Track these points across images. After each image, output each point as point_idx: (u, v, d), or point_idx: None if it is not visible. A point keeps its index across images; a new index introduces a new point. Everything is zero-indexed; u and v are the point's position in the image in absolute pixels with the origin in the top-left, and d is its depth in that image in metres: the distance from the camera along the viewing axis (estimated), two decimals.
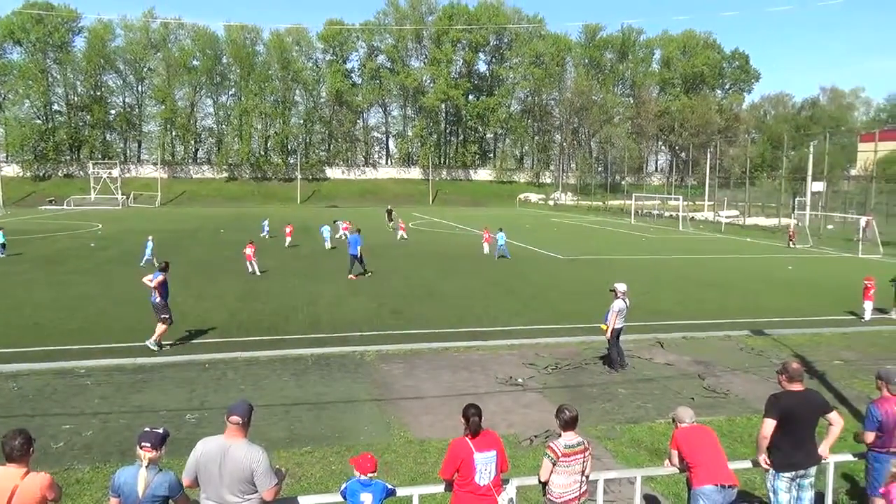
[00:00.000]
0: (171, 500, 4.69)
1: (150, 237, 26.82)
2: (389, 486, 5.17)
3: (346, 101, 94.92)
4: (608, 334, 12.11)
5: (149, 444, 4.58)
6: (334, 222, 37.83)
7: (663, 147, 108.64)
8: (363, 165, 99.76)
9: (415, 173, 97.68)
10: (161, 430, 4.71)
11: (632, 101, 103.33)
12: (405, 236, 37.82)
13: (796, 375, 5.96)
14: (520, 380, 11.65)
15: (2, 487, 4.46)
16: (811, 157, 54.68)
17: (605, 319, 12.22)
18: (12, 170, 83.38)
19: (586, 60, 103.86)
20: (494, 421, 9.25)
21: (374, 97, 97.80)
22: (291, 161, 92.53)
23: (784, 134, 67.65)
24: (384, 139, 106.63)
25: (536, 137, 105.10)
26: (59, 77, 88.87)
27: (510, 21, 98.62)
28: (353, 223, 34.63)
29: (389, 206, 53.17)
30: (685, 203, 57.62)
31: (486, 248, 30.99)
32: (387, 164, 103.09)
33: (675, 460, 5.78)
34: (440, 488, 5.61)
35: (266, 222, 39.11)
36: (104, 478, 7.72)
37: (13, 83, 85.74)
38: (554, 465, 5.31)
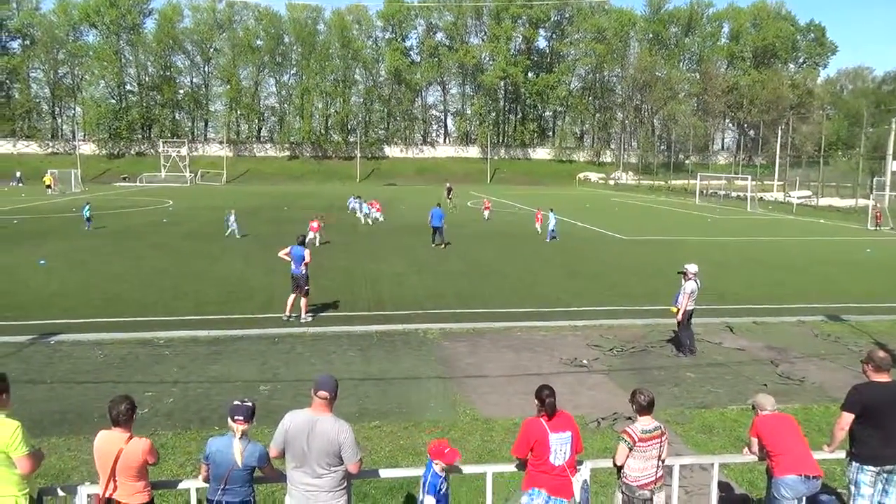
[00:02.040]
0: (258, 469, 4.90)
1: (233, 211, 28.55)
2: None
3: (405, 80, 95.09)
4: (679, 316, 11.84)
5: (241, 417, 4.78)
6: (356, 198, 37.90)
7: (730, 124, 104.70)
8: (421, 144, 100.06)
9: (473, 152, 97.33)
10: (251, 403, 4.91)
11: (698, 77, 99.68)
12: (488, 216, 37.27)
13: (884, 365, 5.65)
14: (584, 361, 11.56)
15: (108, 450, 4.75)
16: (892, 134, 51.62)
17: (675, 301, 11.94)
18: (89, 148, 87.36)
19: (650, 35, 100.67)
20: (560, 402, 9.08)
21: (432, 75, 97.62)
22: (351, 139, 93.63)
23: (863, 110, 64.06)
24: (442, 117, 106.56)
25: (597, 115, 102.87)
26: (131, 58, 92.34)
27: None
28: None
29: (449, 184, 53.09)
30: (753, 183, 55.55)
31: (540, 228, 30.63)
32: (445, 142, 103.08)
33: (755, 448, 5.63)
34: (512, 467, 5.65)
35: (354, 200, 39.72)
36: (186, 443, 8.11)
37: (89, 64, 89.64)
38: (630, 449, 5.27)
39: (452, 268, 21.20)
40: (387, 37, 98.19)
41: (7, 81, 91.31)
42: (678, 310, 11.81)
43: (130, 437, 4.80)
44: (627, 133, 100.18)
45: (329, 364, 11.21)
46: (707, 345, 12.64)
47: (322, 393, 4.77)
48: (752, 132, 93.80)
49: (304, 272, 14.10)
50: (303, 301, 14.16)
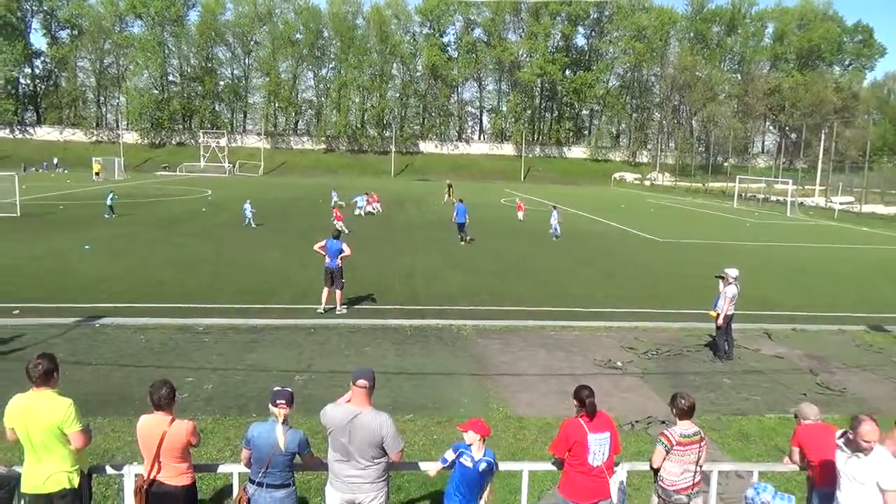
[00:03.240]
0: (298, 456, 5.00)
1: (248, 201, 29.53)
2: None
3: (442, 75, 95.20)
4: (720, 321, 11.67)
5: (283, 402, 4.88)
6: (365, 193, 38.54)
7: (771, 127, 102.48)
8: (456, 140, 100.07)
9: (507, 149, 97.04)
10: (290, 389, 5.03)
11: (739, 78, 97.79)
12: (522, 217, 35.37)
13: None
14: (618, 363, 11.49)
15: (152, 433, 4.90)
16: None
17: (715, 306, 11.79)
18: (132, 137, 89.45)
19: (691, 34, 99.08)
20: None
21: (469, 71, 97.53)
22: (387, 134, 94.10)
23: None
24: (478, 114, 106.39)
25: (634, 115, 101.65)
26: (174, 49, 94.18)
27: None
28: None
29: (449, 181, 53.25)
30: (794, 187, 54.30)
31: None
32: (480, 139, 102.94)
33: (797, 458, 5.56)
34: (548, 465, 5.68)
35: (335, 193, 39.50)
36: (225, 429, 8.30)
37: (134, 55, 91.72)
38: (667, 452, 5.24)
39: (486, 265, 21.22)
40: (424, 32, 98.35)
41: (55, 70, 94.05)
42: (719, 314, 11.65)
43: (173, 420, 4.94)
44: (665, 133, 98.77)
45: (363, 356, 11.33)
46: (744, 351, 12.45)
47: (362, 381, 4.85)
48: (793, 135, 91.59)
49: (339, 265, 14.28)
50: (338, 293, 14.34)
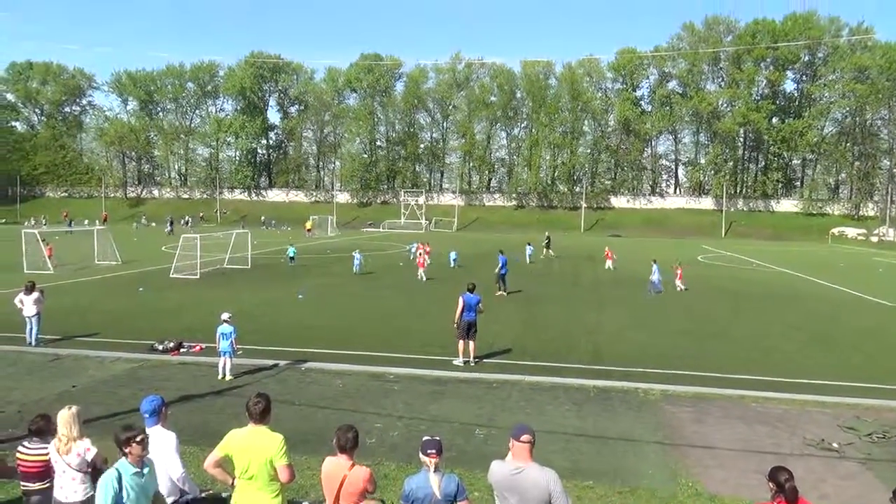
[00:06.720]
0: (457, 501, 5.05)
1: (358, 250, 33.10)
2: None
3: (634, 130, 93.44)
4: None
5: (434, 451, 5.06)
6: (528, 244, 40.17)
7: None
8: (650, 194, 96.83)
9: (706, 203, 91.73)
10: (439, 438, 5.19)
11: None
12: (610, 267, 36.30)
13: None
14: (834, 444, 10.09)
15: (335, 475, 5.27)
16: None
17: None
18: (344, 197, 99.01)
19: None
20: (802, 488, 8.04)
21: (663, 124, 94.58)
22: (577, 190, 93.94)
23: None
24: (673, 167, 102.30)
25: (857, 163, 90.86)
26: (381, 117, 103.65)
27: (826, 33, 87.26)
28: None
29: (548, 234, 51.68)
30: None
31: (680, 285, 28.29)
32: (675, 192, 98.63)
33: None
34: None
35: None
36: (407, 476, 8.61)
37: (348, 124, 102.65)
38: None
39: (677, 325, 20.02)
40: (617, 87, 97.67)
41: (285, 140, 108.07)
42: None
43: (353, 465, 5.26)
44: None
45: (543, 415, 11.18)
46: None
47: (526, 437, 4.88)
48: None
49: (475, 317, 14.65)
50: (472, 344, 14.65)
